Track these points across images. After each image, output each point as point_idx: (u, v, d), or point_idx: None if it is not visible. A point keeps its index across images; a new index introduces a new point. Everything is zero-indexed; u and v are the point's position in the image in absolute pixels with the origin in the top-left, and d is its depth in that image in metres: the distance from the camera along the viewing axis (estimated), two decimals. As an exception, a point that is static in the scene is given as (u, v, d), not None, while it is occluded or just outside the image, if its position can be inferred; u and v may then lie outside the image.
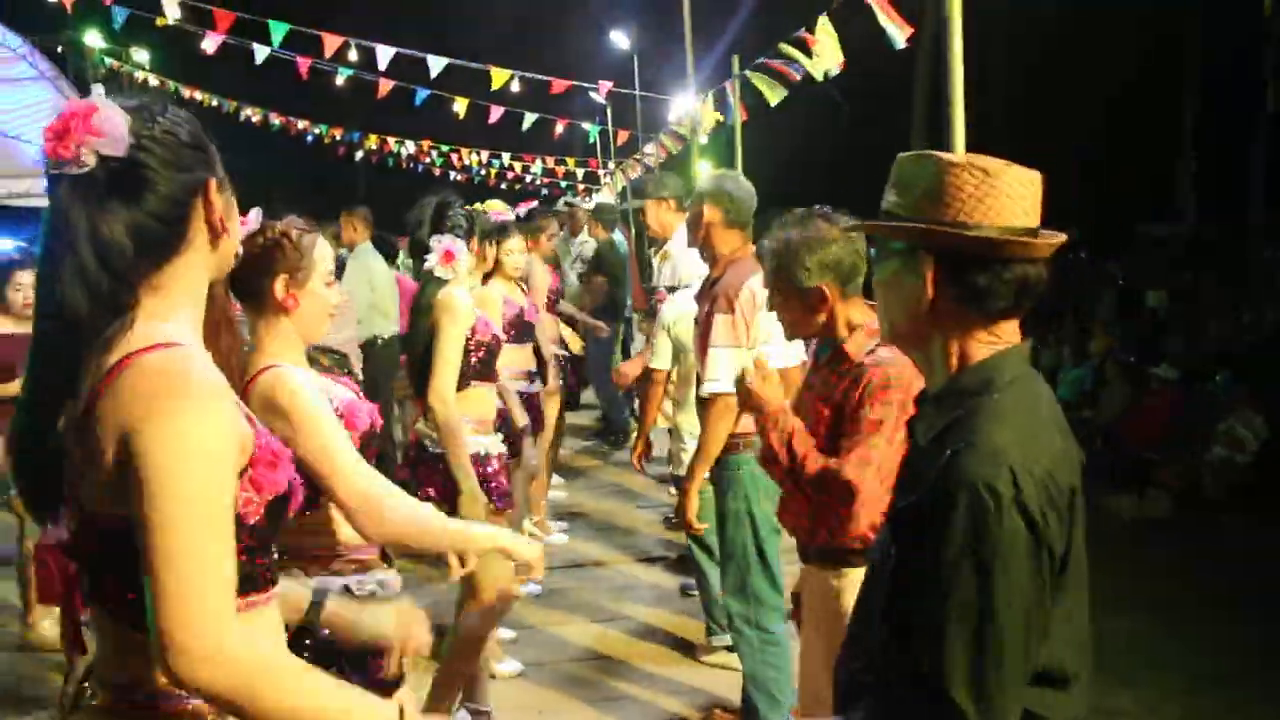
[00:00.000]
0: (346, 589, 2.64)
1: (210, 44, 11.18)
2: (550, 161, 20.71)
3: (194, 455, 1.45)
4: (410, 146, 18.92)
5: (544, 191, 22.68)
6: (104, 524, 1.52)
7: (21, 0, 11.79)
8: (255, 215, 2.56)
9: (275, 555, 1.74)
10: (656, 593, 5.89)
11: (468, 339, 3.95)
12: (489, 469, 4.04)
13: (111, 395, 1.48)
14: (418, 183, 21.87)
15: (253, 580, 1.62)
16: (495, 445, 4.16)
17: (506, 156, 19.83)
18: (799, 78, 6.81)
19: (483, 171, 20.72)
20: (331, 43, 10.03)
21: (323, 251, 2.67)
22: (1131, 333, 14.38)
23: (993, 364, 1.70)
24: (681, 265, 5.64)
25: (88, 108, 1.51)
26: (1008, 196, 1.66)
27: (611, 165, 19.49)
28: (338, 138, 19.20)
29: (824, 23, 6.15)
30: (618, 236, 9.79)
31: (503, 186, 22.73)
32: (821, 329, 2.95)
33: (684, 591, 5.75)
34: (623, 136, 17.45)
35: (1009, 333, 1.73)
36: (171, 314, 1.58)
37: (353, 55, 10.85)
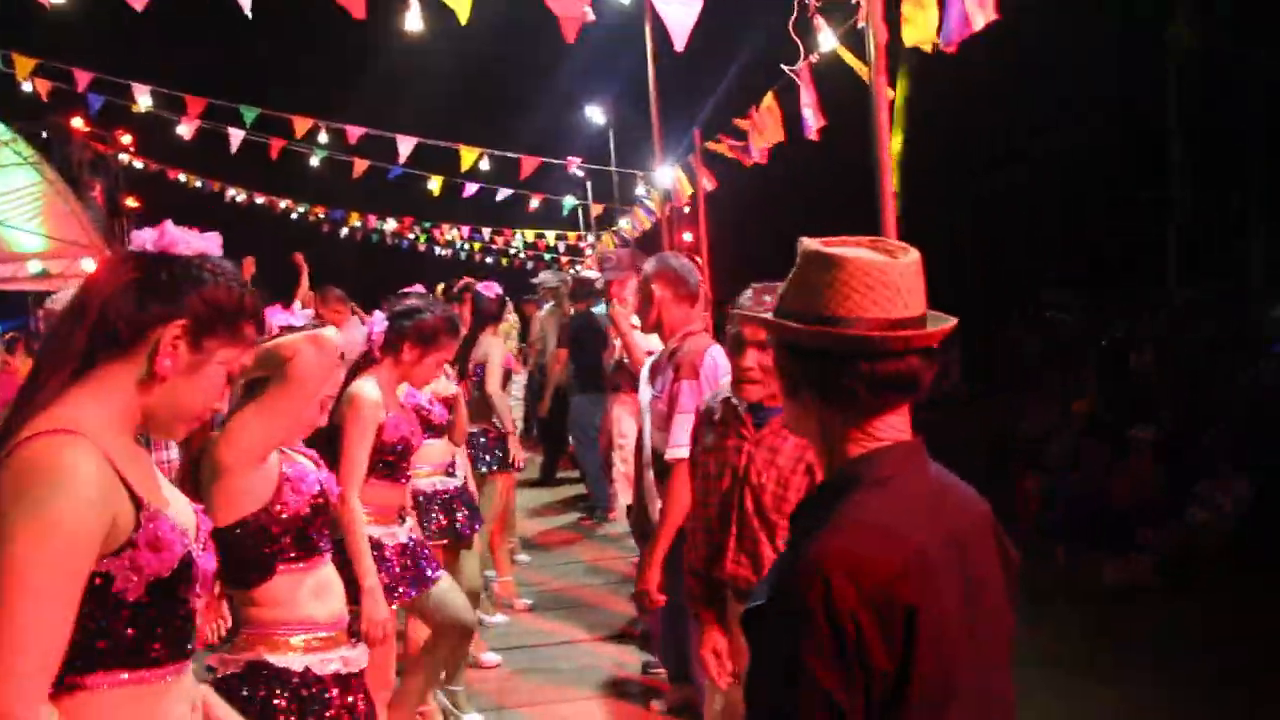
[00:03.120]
0: (307, 669, 2.72)
1: (186, 130, 11.32)
2: (530, 235, 20.87)
3: (37, 535, 1.59)
4: (391, 223, 19.07)
5: (529, 265, 22.81)
6: None
7: (3, 90, 11.85)
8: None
9: (181, 634, 1.83)
10: (618, 672, 5.79)
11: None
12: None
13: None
14: (402, 259, 22.06)
15: (139, 655, 1.75)
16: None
17: (487, 232, 19.97)
18: (753, 157, 6.94)
19: (466, 246, 20.86)
20: (301, 124, 10.14)
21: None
22: (1117, 394, 14.34)
23: (864, 462, 1.64)
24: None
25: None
26: (859, 287, 1.59)
27: (591, 238, 19.65)
28: (321, 216, 19.37)
29: (769, 101, 6.24)
30: (600, 309, 9.79)
31: (488, 261, 22.88)
32: None
33: (646, 669, 5.66)
34: (599, 209, 17.60)
35: (890, 427, 1.66)
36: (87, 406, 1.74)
37: (323, 137, 10.97)
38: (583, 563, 8.05)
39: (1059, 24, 20.00)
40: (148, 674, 1.77)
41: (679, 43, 4.59)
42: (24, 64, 9.31)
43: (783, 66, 5.16)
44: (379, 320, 4.18)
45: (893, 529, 1.54)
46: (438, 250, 22.03)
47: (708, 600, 3.32)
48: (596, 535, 8.79)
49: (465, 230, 19.79)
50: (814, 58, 5.43)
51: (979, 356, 20.01)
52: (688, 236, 11.62)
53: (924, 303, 1.65)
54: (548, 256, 22.61)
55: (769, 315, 1.70)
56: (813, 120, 5.80)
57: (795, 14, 4.62)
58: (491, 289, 6.79)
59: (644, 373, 4.95)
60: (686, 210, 10.10)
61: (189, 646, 1.89)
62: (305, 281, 8.93)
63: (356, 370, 4.09)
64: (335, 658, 2.80)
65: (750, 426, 3.16)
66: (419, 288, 5.26)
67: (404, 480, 4.20)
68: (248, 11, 4.81)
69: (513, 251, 22.12)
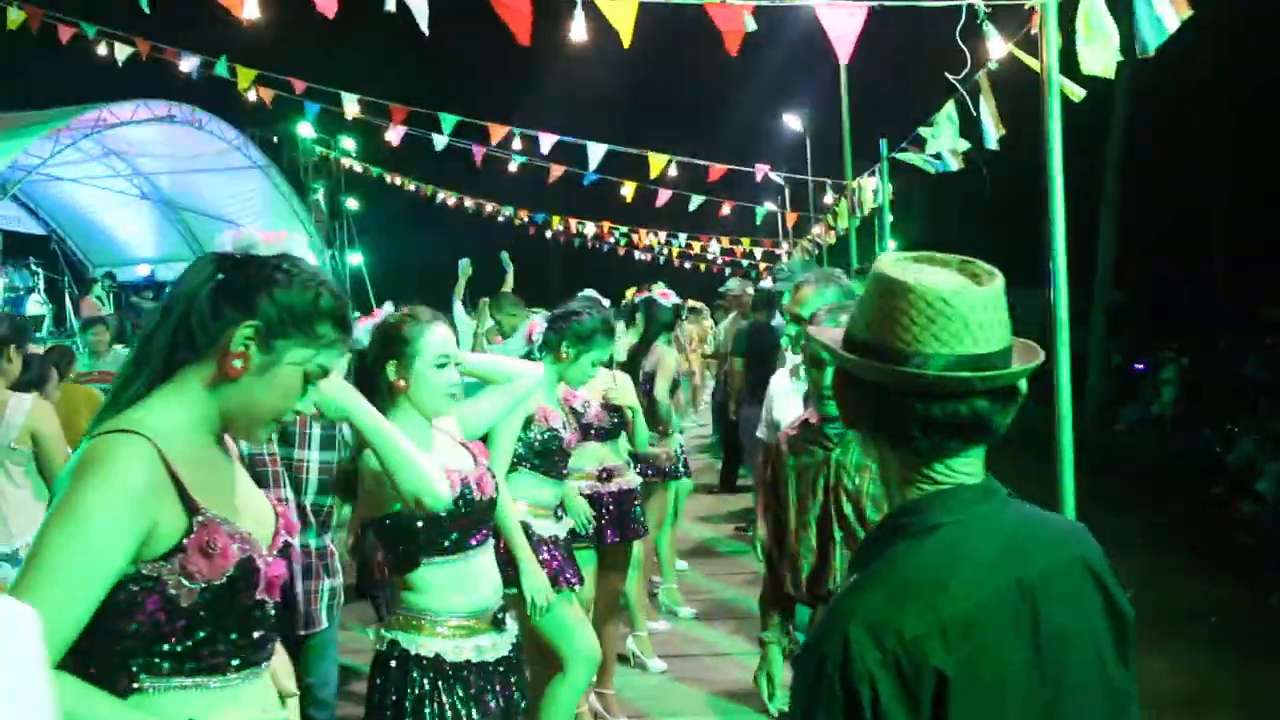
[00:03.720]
0: (438, 656, 2.90)
1: (394, 135, 11.86)
2: (726, 241, 20.91)
3: (69, 521, 1.68)
4: (591, 228, 19.45)
5: (727, 271, 22.86)
6: None
7: (237, 98, 12.71)
8: (386, 308, 3.05)
9: (249, 640, 1.85)
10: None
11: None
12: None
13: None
14: (602, 261, 22.45)
15: (198, 658, 1.78)
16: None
17: (683, 237, 20.11)
18: (934, 168, 6.77)
19: (664, 251, 21.07)
20: (497, 132, 10.47)
21: (432, 337, 2.95)
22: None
23: (920, 505, 1.50)
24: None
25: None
26: (921, 319, 1.45)
27: (786, 246, 19.51)
28: (525, 219, 19.93)
29: (949, 108, 6.06)
30: (777, 320, 9.72)
31: (686, 266, 23.03)
32: None
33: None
34: (793, 218, 17.46)
35: (954, 471, 1.51)
36: (161, 409, 1.82)
37: (517, 144, 11.29)
38: (750, 573, 7.99)
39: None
40: (213, 680, 1.81)
41: (843, 55, 4.52)
42: (245, 74, 9.96)
43: (947, 75, 5.00)
44: (539, 321, 4.34)
45: (929, 583, 1.41)
46: (637, 255, 22.34)
47: (776, 626, 3.36)
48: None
49: (662, 235, 20.03)
50: (993, 65, 5.24)
51: (1196, 375, 18.92)
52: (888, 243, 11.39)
53: (1005, 336, 1.48)
54: (745, 264, 22.61)
55: (832, 340, 1.59)
56: (993, 130, 5.63)
57: (962, 21, 4.47)
58: (669, 298, 6.84)
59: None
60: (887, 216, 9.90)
61: (261, 654, 1.90)
62: (510, 280, 9.16)
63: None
64: (470, 645, 2.91)
65: (830, 438, 3.07)
66: (591, 292, 5.39)
67: (558, 476, 4.34)
68: (425, 28, 4.99)
69: (710, 258, 22.21)
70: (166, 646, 1.76)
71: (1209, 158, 22.74)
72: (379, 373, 2.95)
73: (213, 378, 1.84)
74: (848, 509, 3.01)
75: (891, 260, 1.55)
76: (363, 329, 2.97)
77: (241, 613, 1.83)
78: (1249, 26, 18.67)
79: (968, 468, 1.51)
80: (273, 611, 1.92)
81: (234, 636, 1.83)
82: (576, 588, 4.18)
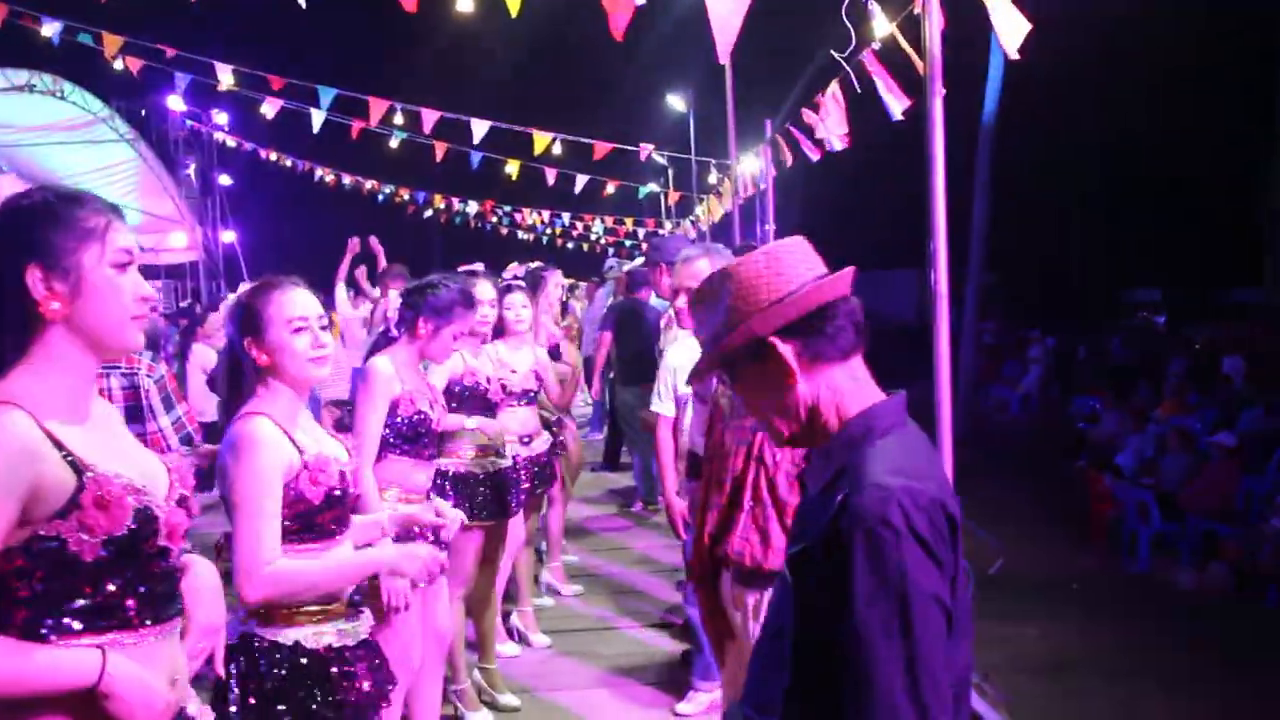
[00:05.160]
0: (297, 643, 2.76)
1: (269, 109, 11.54)
2: (610, 221, 20.91)
3: None
4: (474, 206, 19.23)
5: (610, 250, 22.88)
6: None
7: (104, 67, 12.24)
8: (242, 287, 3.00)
9: (158, 595, 1.89)
10: (657, 659, 5.78)
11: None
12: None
13: None
14: (487, 241, 22.26)
15: (108, 613, 1.81)
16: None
17: (566, 216, 20.05)
18: (818, 150, 6.83)
19: (547, 230, 20.98)
20: (378, 107, 10.24)
21: (283, 300, 2.79)
22: (1205, 399, 13.92)
23: (870, 414, 1.79)
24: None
25: None
26: (791, 260, 1.83)
27: (668, 226, 19.60)
28: (406, 197, 19.62)
29: (833, 89, 6.11)
30: (655, 299, 9.73)
31: (569, 246, 22.97)
32: None
33: (685, 658, 5.63)
34: (677, 197, 17.55)
35: (870, 380, 1.84)
36: (26, 378, 1.81)
37: (399, 119, 11.08)
38: (632, 550, 8.04)
39: (1153, 21, 19.49)
40: (125, 635, 1.84)
41: (722, 46, 4.42)
42: (112, 41, 9.57)
43: (832, 53, 5.05)
44: (394, 300, 4.21)
45: (920, 467, 1.72)
46: (520, 234, 22.19)
47: (707, 575, 3.47)
48: (649, 523, 8.78)
49: (546, 215, 19.92)
50: (876, 45, 5.32)
51: (1063, 357, 19.65)
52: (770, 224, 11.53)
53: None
54: (629, 243, 22.64)
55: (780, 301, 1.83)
56: (895, 105, 5.57)
57: (846, 1, 4.51)
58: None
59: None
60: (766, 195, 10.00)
61: (172, 610, 1.94)
62: (382, 264, 9.00)
63: (374, 349, 4.13)
64: (331, 630, 2.79)
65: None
66: (479, 265, 5.30)
67: (428, 458, 4.16)
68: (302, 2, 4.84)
69: (593, 237, 22.18)
70: (77, 604, 1.79)
71: (1077, 146, 23.59)
72: (242, 354, 2.79)
73: (49, 327, 1.83)
74: (763, 481, 3.22)
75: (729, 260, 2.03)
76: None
77: (145, 562, 1.86)
78: (1117, 26, 19.42)
79: (873, 385, 1.84)
80: (176, 563, 1.95)
81: (142, 590, 1.86)
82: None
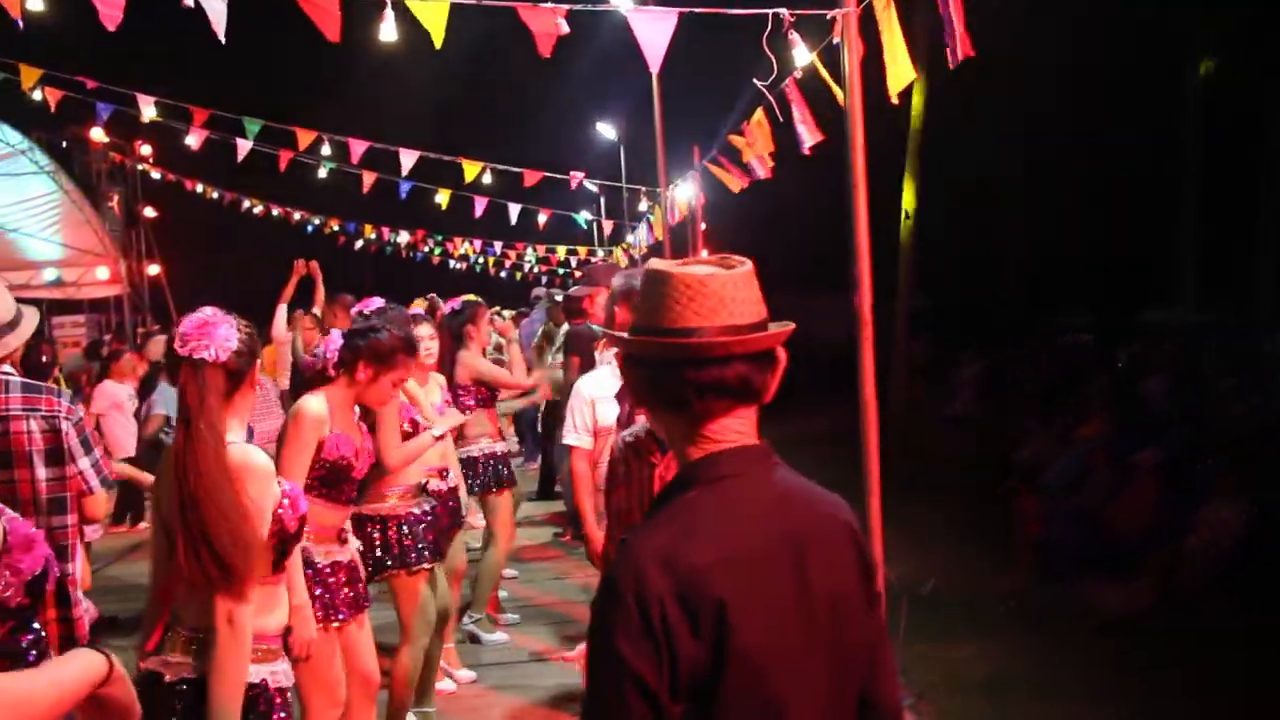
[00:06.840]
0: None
1: (194, 140, 11.38)
2: (542, 250, 20.91)
3: None
4: (405, 236, 19.13)
5: (543, 279, 22.87)
6: None
7: (22, 99, 12.00)
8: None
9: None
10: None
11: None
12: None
13: None
14: (418, 271, 22.13)
15: (14, 658, 1.81)
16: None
17: (499, 246, 20.02)
18: (753, 174, 6.92)
19: (480, 259, 20.91)
20: (305, 137, 10.16)
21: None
22: (1128, 419, 14.18)
23: (701, 464, 1.71)
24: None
25: None
26: (682, 299, 1.69)
27: (601, 253, 19.66)
28: (336, 228, 19.45)
29: (758, 117, 6.19)
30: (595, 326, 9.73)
31: (502, 275, 22.90)
32: None
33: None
34: (609, 225, 17.62)
35: (730, 430, 1.72)
36: None
37: (326, 150, 11.00)
38: (567, 580, 8.00)
39: (1071, 45, 19.97)
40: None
41: (654, 63, 4.52)
42: (30, 73, 9.37)
43: (755, 81, 5.12)
44: (335, 339, 4.15)
45: (714, 526, 1.62)
46: (452, 264, 22.09)
47: None
48: (580, 553, 8.72)
49: (478, 244, 19.86)
50: (797, 74, 5.39)
51: (993, 377, 19.96)
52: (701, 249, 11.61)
53: (758, 311, 1.72)
54: (561, 272, 22.65)
55: (622, 333, 1.80)
56: (807, 136, 5.69)
57: (769, 29, 4.57)
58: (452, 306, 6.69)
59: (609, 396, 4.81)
60: (698, 223, 10.08)
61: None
62: (320, 289, 8.94)
63: (309, 386, 4.06)
64: (282, 670, 2.83)
65: (659, 451, 3.16)
66: (378, 301, 5.20)
67: (345, 502, 4.05)
68: (221, 36, 4.81)
69: (527, 267, 22.14)
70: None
71: (1004, 174, 24.02)
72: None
73: None
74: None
75: (658, 261, 1.83)
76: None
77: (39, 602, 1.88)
78: (1038, 51, 19.86)
79: (740, 427, 1.73)
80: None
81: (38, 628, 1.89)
82: (342, 617, 3.94)
